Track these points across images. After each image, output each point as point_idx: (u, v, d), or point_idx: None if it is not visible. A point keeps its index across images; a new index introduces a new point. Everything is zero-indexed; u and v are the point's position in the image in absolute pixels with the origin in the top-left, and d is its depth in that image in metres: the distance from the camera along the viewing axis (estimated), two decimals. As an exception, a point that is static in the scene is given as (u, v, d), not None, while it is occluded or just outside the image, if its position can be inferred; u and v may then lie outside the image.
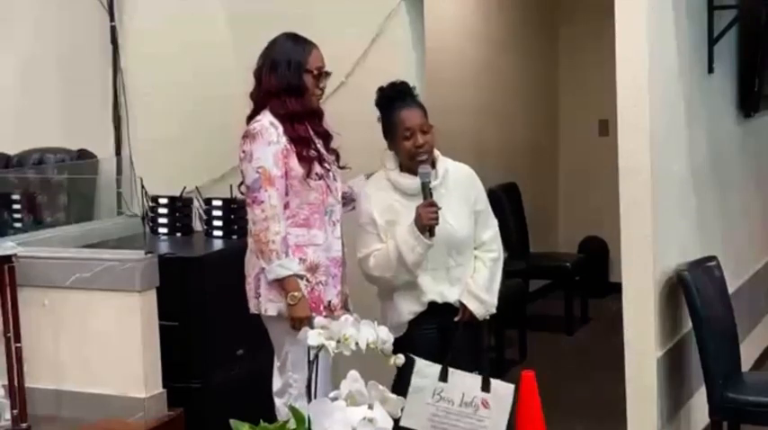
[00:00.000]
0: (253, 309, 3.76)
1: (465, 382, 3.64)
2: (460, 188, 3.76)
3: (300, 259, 3.68)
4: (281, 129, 3.69)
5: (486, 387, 3.64)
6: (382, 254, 3.65)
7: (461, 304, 3.70)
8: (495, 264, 3.79)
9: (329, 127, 3.89)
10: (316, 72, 3.77)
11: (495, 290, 3.78)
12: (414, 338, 3.68)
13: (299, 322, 3.60)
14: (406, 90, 3.79)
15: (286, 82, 3.73)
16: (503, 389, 3.68)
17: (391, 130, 3.72)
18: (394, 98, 3.75)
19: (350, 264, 3.88)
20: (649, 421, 4.16)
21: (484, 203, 3.82)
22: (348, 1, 4.68)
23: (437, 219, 3.57)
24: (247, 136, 3.69)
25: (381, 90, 3.80)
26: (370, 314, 2.22)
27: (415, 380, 3.58)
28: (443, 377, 3.62)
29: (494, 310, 3.77)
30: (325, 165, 3.78)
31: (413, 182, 3.68)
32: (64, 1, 5.41)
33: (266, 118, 3.70)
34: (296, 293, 3.61)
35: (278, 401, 3.79)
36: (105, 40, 5.21)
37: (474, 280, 3.73)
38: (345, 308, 3.79)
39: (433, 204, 3.58)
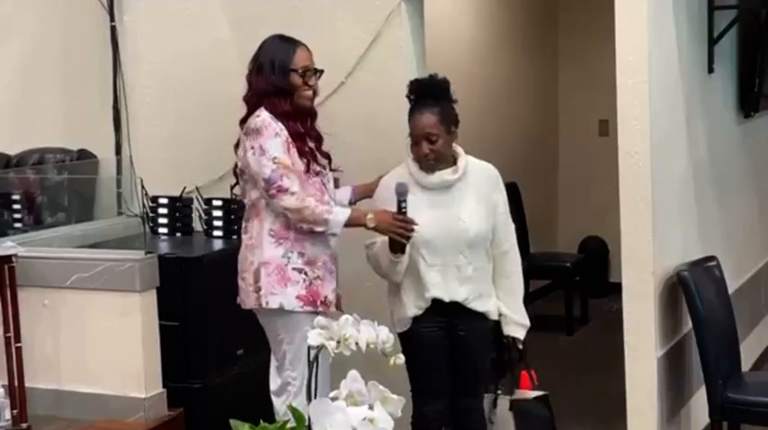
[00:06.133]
0: (252, 303, 3.74)
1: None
2: (482, 187, 3.74)
3: (300, 253, 3.69)
4: (280, 123, 3.70)
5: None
6: (376, 251, 3.69)
7: (507, 337, 3.78)
8: (520, 278, 3.84)
9: (320, 129, 3.89)
10: (301, 71, 3.76)
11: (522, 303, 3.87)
12: (417, 335, 3.70)
13: (387, 230, 3.60)
14: (435, 90, 3.72)
15: (273, 84, 3.74)
16: None
17: (409, 130, 3.72)
18: (419, 97, 3.71)
19: (343, 266, 3.88)
20: (649, 421, 4.17)
21: (504, 208, 3.81)
22: (348, 1, 4.68)
23: (403, 232, 3.56)
24: (251, 132, 3.69)
25: (410, 85, 3.77)
26: (370, 314, 2.21)
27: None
28: None
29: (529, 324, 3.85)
30: (319, 164, 3.79)
31: (425, 174, 3.70)
32: (64, 1, 5.41)
33: (264, 113, 3.71)
34: (369, 215, 3.63)
35: (276, 401, 3.79)
36: (105, 40, 5.20)
37: (508, 306, 3.78)
38: (338, 308, 3.78)
39: (406, 220, 3.58)
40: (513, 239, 3.83)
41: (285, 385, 3.75)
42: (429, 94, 3.71)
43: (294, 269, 3.68)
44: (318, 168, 3.76)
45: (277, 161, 3.62)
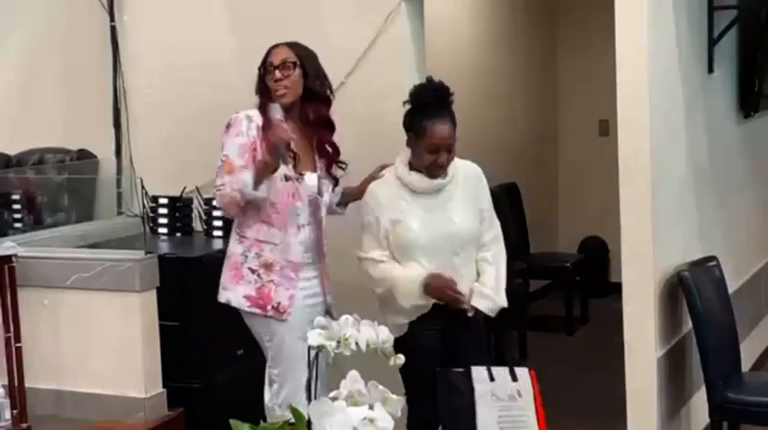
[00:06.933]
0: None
1: (502, 376, 3.66)
2: (468, 186, 3.75)
3: (257, 254, 3.71)
4: (257, 122, 3.69)
5: (514, 377, 3.66)
6: (386, 276, 3.67)
7: (472, 306, 3.68)
8: (497, 260, 3.77)
9: (333, 144, 3.86)
10: (267, 68, 3.75)
11: (502, 286, 3.76)
12: (414, 338, 3.68)
13: (273, 140, 3.55)
14: (445, 97, 3.69)
15: (258, 88, 3.79)
16: (523, 376, 3.69)
17: (417, 135, 3.67)
18: (431, 105, 3.66)
19: (342, 271, 3.88)
20: (649, 421, 4.16)
21: (488, 202, 3.81)
22: (348, 1, 4.67)
23: (280, 134, 3.50)
24: (227, 125, 3.76)
25: (420, 90, 3.73)
26: (370, 314, 2.22)
27: (477, 387, 3.61)
28: (491, 377, 3.63)
29: (504, 304, 3.75)
30: (299, 170, 3.74)
31: (420, 180, 3.68)
32: (64, 1, 5.41)
33: (246, 111, 3.74)
34: (264, 154, 3.58)
35: (266, 395, 3.80)
36: (105, 40, 5.21)
37: (480, 280, 3.73)
38: (330, 315, 3.75)
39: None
40: (497, 232, 3.81)
41: (271, 381, 3.78)
42: (442, 102, 3.69)
43: (249, 268, 3.71)
44: (293, 174, 3.71)
45: (224, 159, 3.69)
